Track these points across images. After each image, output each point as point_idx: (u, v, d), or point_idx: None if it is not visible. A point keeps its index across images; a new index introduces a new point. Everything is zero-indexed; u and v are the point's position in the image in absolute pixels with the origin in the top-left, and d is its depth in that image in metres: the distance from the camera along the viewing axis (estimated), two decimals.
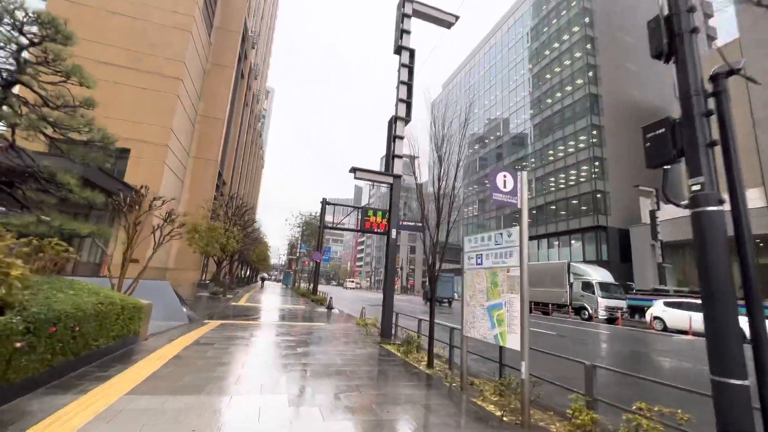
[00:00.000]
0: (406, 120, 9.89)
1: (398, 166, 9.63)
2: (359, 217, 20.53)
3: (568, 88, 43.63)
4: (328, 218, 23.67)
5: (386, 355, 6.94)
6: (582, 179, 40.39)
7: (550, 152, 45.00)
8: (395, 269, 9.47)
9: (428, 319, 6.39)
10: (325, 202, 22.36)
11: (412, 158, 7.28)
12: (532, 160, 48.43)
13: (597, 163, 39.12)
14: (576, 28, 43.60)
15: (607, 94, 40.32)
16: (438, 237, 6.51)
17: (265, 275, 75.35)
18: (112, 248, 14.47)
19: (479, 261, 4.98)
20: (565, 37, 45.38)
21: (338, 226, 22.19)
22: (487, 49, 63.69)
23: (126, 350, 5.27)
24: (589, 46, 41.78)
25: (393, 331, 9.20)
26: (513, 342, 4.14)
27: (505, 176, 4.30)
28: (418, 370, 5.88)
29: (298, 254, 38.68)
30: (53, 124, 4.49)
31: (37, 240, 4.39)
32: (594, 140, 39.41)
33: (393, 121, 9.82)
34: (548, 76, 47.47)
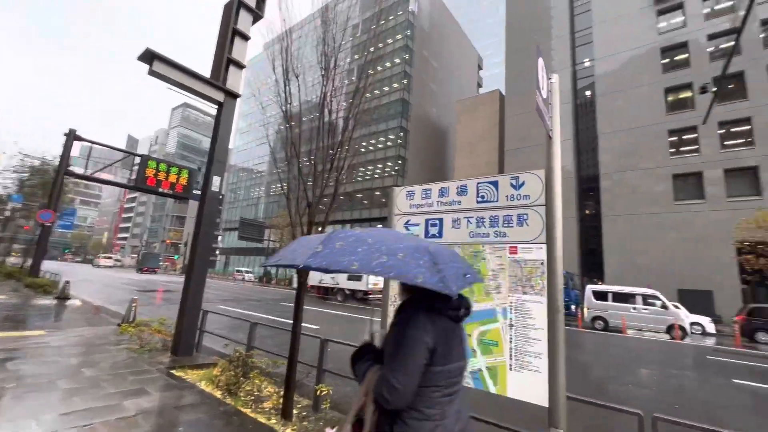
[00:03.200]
0: (256, 12, 6.37)
1: (236, 80, 6.03)
2: (133, 173, 13.87)
3: (386, 88, 47.13)
4: (79, 170, 15.45)
5: (196, 404, 3.63)
6: (386, 174, 44.47)
7: (363, 143, 47.42)
8: (211, 246, 5.86)
9: (261, 317, 3.63)
10: (73, 135, 14.30)
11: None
12: (346, 147, 49.82)
13: (400, 162, 43.94)
14: (399, 36, 47.51)
15: (414, 104, 45.92)
16: (322, 186, 3.90)
17: None
18: None
19: (434, 231, 2.73)
20: (390, 40, 48.74)
21: (97, 177, 14.66)
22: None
23: None
24: (407, 56, 46.29)
25: (196, 341, 5.65)
26: (525, 388, 2.14)
27: (542, 68, 2.21)
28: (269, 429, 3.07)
29: (9, 212, 24.54)
30: None
31: None
32: (400, 141, 44.03)
33: (234, 6, 6.09)
34: (371, 71, 49.83)
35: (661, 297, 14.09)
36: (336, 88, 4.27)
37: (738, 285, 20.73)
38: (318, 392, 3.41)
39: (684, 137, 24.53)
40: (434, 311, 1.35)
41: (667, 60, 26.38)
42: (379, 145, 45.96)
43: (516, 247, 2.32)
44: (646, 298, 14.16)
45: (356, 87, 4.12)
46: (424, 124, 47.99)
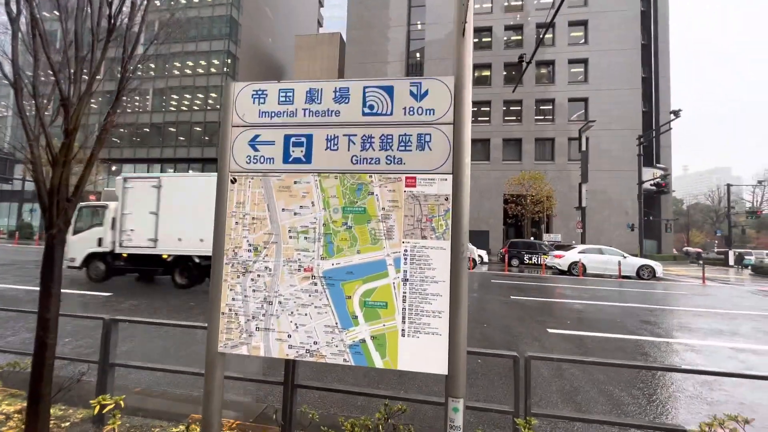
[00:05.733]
0: None
1: None
2: None
3: None
4: None
5: None
6: (209, 107, 37.61)
7: (177, 64, 38.10)
8: None
9: None
10: None
11: None
12: (152, 65, 38.96)
13: None
14: None
15: (246, 28, 39.26)
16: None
17: None
18: None
19: (298, 153, 1.84)
20: None
21: None
22: None
23: None
24: None
25: None
26: (420, 356, 1.67)
27: None
28: None
29: None
30: None
31: None
32: (227, 69, 37.46)
33: None
34: None
35: None
36: None
37: (502, 226, 28.13)
38: (97, 407, 2.15)
39: (481, 109, 30.10)
40: None
41: (476, 40, 30.96)
42: (200, 70, 37.84)
43: (414, 177, 1.74)
44: None
45: None
46: (259, 54, 42.10)
